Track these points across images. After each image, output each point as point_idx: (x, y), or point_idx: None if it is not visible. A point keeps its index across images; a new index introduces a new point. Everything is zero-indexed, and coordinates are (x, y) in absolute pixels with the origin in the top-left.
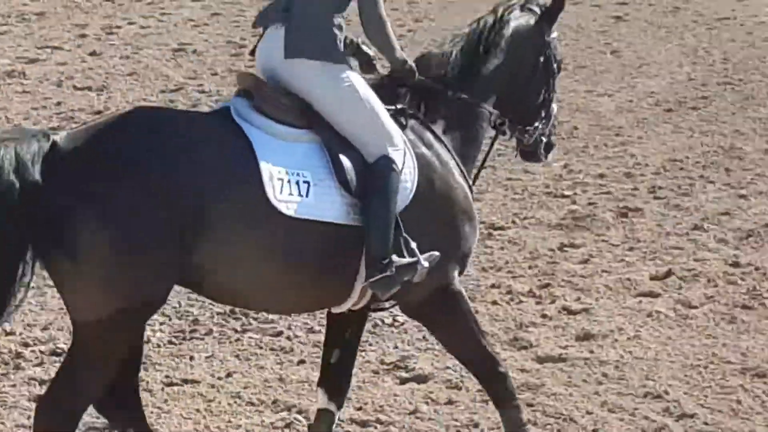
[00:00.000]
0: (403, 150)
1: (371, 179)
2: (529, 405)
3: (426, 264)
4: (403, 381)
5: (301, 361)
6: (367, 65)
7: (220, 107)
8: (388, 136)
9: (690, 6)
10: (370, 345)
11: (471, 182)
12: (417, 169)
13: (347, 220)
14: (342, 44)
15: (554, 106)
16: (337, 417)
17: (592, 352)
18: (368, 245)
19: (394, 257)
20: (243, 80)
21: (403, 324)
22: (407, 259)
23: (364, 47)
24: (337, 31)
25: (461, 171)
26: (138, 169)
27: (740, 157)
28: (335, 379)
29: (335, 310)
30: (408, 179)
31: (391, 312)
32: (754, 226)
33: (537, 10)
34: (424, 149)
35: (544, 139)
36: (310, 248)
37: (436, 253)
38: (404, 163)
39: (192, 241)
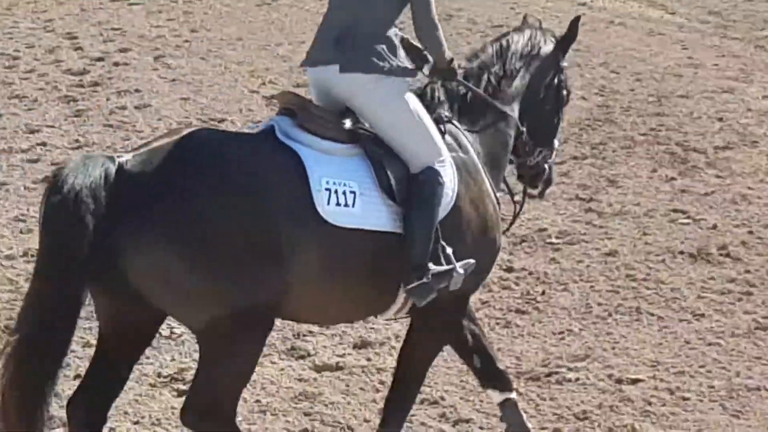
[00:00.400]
0: (448, 162)
1: (416, 189)
2: (307, 414)
3: (462, 271)
4: (181, 393)
5: None
6: (419, 59)
7: (263, 126)
8: (435, 148)
9: (464, 13)
10: (147, 358)
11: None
12: (457, 177)
13: (392, 228)
14: (395, 55)
15: (559, 137)
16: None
17: (369, 359)
18: (408, 253)
19: (431, 265)
20: (285, 99)
21: (180, 336)
22: (444, 267)
23: (414, 42)
24: (391, 43)
25: (489, 181)
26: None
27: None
28: (490, 372)
29: (380, 318)
30: (449, 188)
31: (168, 324)
32: (528, 232)
33: (551, 37)
34: (462, 156)
35: (546, 169)
36: (360, 257)
37: (472, 261)
38: (448, 174)
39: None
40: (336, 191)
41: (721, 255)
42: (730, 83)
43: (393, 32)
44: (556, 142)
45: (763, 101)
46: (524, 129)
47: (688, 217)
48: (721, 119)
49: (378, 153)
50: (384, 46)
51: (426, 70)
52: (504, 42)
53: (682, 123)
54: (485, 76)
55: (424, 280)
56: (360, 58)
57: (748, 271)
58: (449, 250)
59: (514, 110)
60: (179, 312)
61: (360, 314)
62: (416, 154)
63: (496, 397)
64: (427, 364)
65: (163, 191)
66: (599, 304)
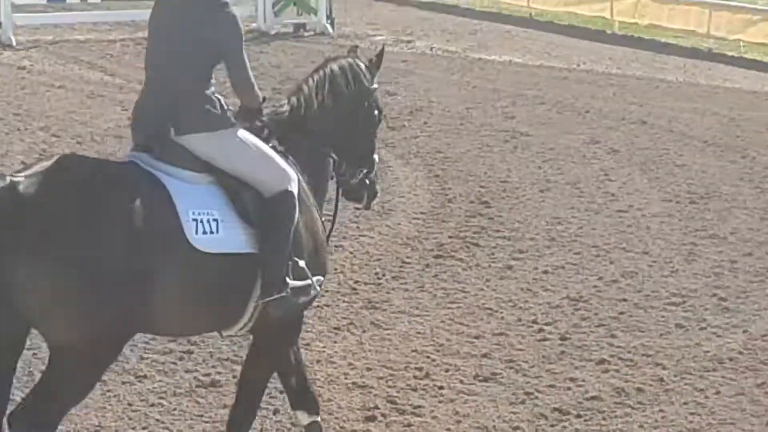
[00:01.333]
0: (297, 183)
1: (271, 211)
2: None
3: (318, 288)
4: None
5: None
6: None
7: (125, 158)
8: (283, 173)
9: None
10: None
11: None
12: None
13: (251, 248)
14: (220, 107)
15: (376, 155)
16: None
17: None
18: (267, 269)
19: (289, 280)
20: (139, 135)
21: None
22: (302, 282)
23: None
24: (212, 99)
25: (316, 205)
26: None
27: None
28: (304, 395)
29: (226, 332)
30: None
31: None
32: None
33: (361, 63)
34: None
35: (369, 183)
36: (218, 277)
37: (322, 278)
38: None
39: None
40: (201, 220)
41: None
42: None
43: (210, 90)
44: (375, 158)
45: None
46: (334, 156)
47: None
48: None
49: (232, 183)
50: (208, 105)
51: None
52: (321, 73)
53: None
54: (301, 110)
55: (284, 293)
56: (192, 119)
57: None
58: (302, 263)
59: (327, 137)
60: (44, 327)
61: (211, 327)
62: (266, 181)
63: (305, 419)
64: (265, 381)
65: (42, 214)
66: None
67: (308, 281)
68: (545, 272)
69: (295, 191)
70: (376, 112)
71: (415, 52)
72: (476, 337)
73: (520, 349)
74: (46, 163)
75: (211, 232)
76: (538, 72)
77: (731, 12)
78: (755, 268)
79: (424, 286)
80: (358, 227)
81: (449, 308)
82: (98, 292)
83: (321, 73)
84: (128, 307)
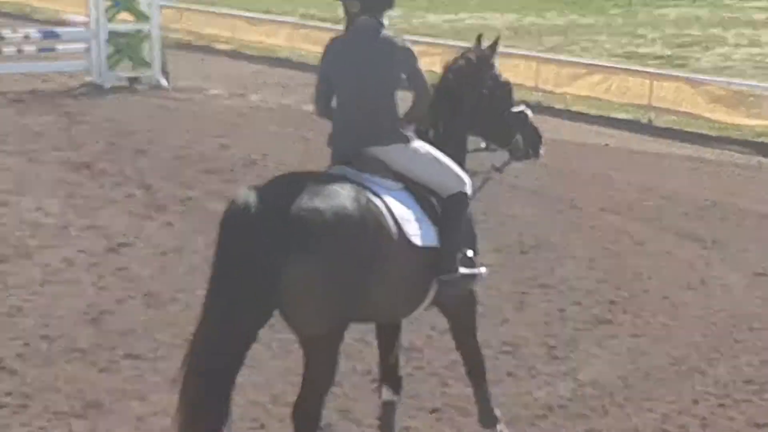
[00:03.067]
0: (470, 185)
1: (448, 209)
2: None
3: (485, 274)
4: None
5: None
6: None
7: (335, 172)
8: (459, 177)
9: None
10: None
11: None
12: None
13: (436, 243)
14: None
15: (524, 108)
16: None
17: None
18: (443, 258)
19: (461, 268)
20: (339, 153)
21: None
22: (470, 270)
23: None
24: (398, 118)
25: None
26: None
27: None
28: (393, 374)
29: (415, 312)
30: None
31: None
32: None
33: (474, 55)
34: None
35: (525, 139)
36: (421, 267)
37: (485, 269)
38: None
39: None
40: (409, 219)
41: None
42: (5, 197)
43: (396, 110)
44: (524, 111)
45: (36, 213)
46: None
47: None
48: None
49: (418, 188)
50: (396, 123)
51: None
52: (455, 67)
53: None
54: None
55: (457, 276)
56: (387, 136)
57: (25, 384)
58: (470, 253)
59: (469, 128)
60: (299, 319)
61: (409, 311)
62: (444, 183)
63: (387, 395)
64: (477, 352)
65: (305, 217)
66: None
67: (475, 270)
68: None
69: (469, 192)
70: (501, 90)
71: (250, 106)
72: None
73: (355, 399)
74: (280, 178)
75: (419, 229)
76: None
77: (558, 66)
78: (583, 316)
79: (259, 338)
80: (193, 279)
81: (283, 360)
82: (348, 285)
83: (440, 86)
84: (364, 298)
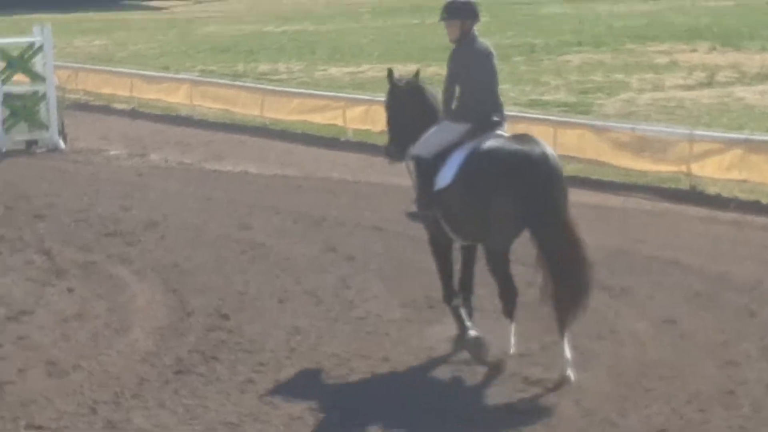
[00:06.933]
0: None
1: None
2: None
3: None
4: None
5: None
6: None
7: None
8: None
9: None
10: None
11: None
12: None
13: None
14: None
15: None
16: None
17: None
18: None
19: None
20: (477, 122)
21: None
22: None
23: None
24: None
25: None
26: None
27: None
28: (468, 284)
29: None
30: None
31: None
32: None
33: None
34: None
35: None
36: None
37: None
38: None
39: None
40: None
41: None
42: None
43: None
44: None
45: None
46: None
47: None
48: None
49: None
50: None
51: None
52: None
53: None
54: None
55: None
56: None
57: None
58: None
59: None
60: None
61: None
62: None
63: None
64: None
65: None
66: None
67: None
68: (286, 384)
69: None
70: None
71: (150, 165)
72: None
73: None
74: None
75: None
76: (273, 181)
77: None
78: None
79: (165, 404)
80: (96, 346)
81: (190, 424)
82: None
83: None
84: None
